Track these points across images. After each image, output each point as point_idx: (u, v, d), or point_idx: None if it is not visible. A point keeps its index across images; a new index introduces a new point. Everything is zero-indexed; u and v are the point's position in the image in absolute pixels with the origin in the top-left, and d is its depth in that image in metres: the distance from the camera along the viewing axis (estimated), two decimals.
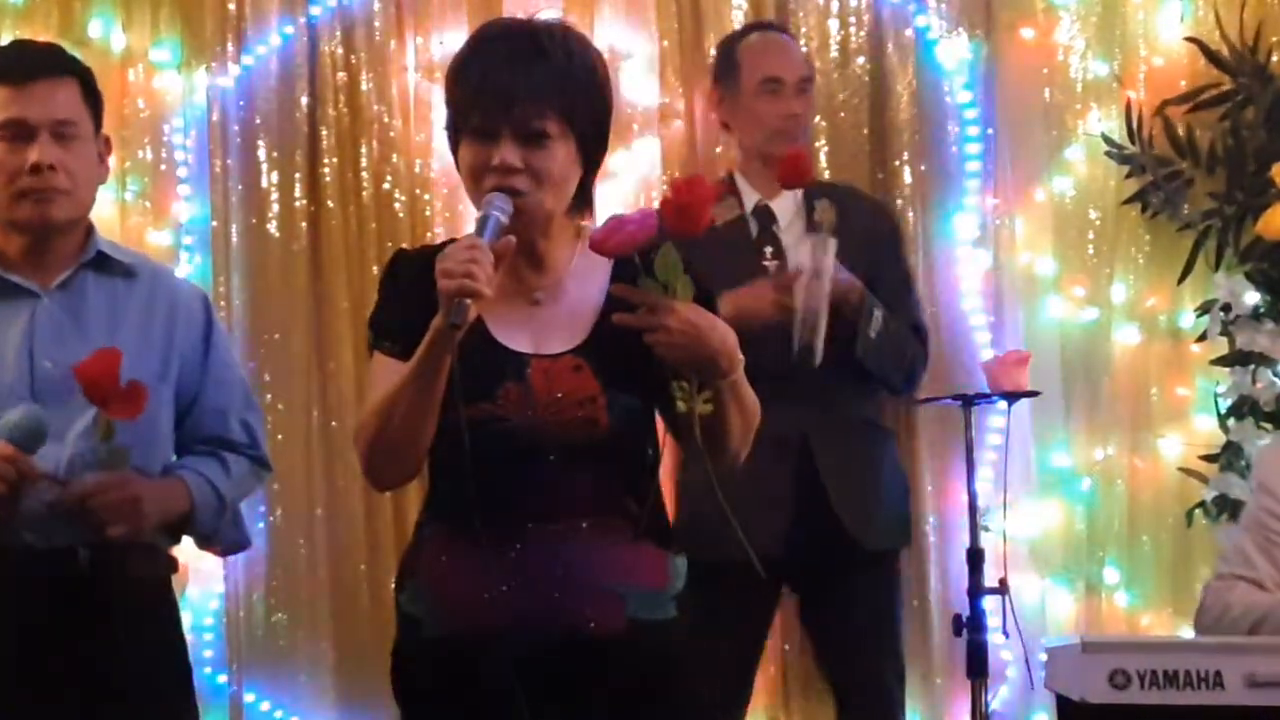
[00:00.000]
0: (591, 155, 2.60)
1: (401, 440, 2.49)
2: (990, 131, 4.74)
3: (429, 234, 4.74)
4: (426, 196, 4.85)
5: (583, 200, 2.63)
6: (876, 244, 4.04)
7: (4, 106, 2.92)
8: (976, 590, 4.01)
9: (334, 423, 4.80)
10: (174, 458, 3.09)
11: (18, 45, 3.34)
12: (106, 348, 2.80)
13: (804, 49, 4.30)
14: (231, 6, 4.86)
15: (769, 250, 3.95)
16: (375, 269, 4.79)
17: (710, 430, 2.48)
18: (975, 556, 4.04)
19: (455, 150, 2.57)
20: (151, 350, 2.99)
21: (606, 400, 2.50)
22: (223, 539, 3.17)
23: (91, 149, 3.01)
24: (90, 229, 3.06)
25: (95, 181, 3.04)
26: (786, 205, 3.99)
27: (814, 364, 3.76)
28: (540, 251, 2.58)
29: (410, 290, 2.54)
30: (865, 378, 3.94)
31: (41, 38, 4.34)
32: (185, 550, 3.21)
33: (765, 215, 3.98)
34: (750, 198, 4.00)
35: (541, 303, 2.59)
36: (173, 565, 3.10)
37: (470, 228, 2.49)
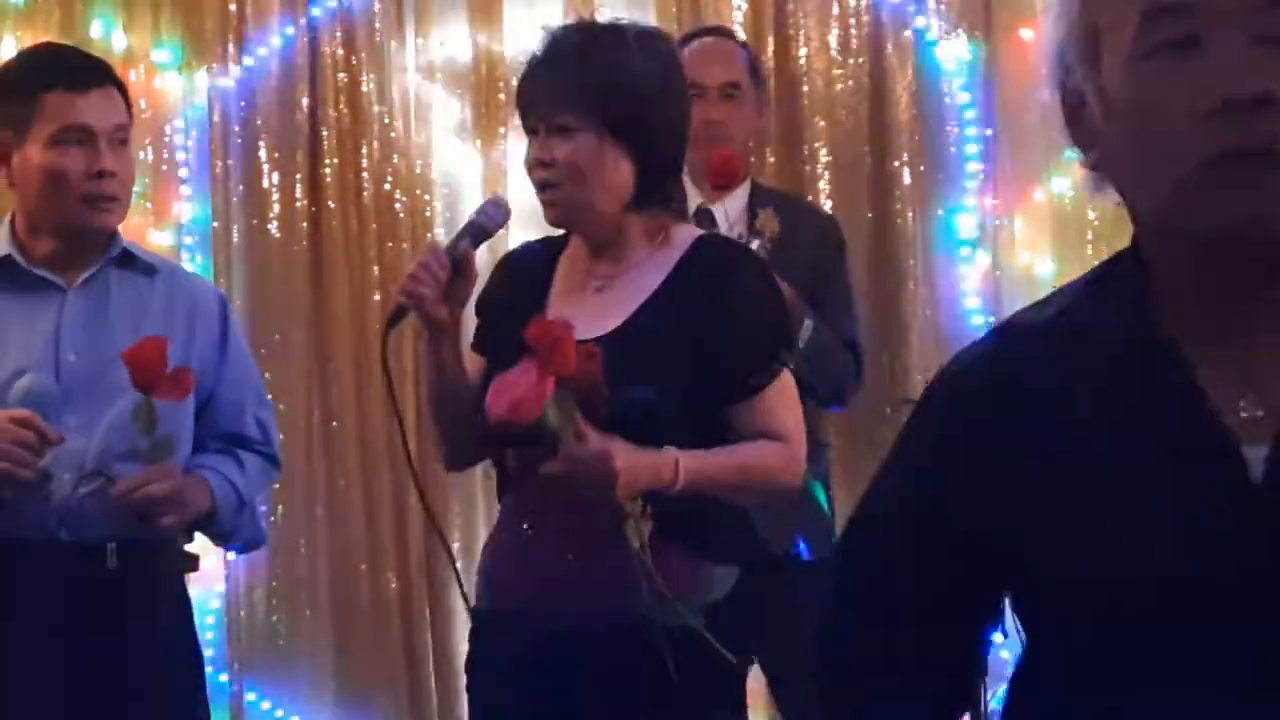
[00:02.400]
0: (643, 149, 2.62)
1: (440, 424, 2.74)
2: (989, 132, 4.74)
3: (429, 235, 4.76)
4: (427, 197, 4.87)
5: (655, 196, 2.67)
6: (820, 256, 3.99)
7: (64, 113, 2.93)
8: None
9: (335, 423, 4.81)
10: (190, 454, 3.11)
11: (67, 51, 3.34)
12: (153, 335, 2.85)
13: (740, 51, 4.19)
14: (232, 7, 4.88)
15: None
16: (375, 269, 4.82)
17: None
18: None
19: None
20: (173, 345, 3.00)
21: (611, 390, 2.50)
22: (240, 536, 3.19)
23: (132, 155, 3.06)
24: (115, 229, 3.09)
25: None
26: (729, 210, 3.95)
27: None
28: (607, 242, 2.66)
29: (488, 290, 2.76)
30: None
31: (42, 39, 4.37)
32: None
33: (704, 218, 3.95)
34: (694, 201, 3.98)
35: (600, 290, 2.66)
36: (193, 563, 3.12)
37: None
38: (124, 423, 2.86)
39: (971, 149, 4.73)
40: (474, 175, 4.90)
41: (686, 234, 2.68)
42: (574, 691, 2.54)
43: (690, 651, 2.49)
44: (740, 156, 3.90)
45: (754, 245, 3.67)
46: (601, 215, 2.63)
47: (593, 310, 2.61)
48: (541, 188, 2.62)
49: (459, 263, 2.59)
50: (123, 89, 3.04)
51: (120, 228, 3.07)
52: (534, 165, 2.62)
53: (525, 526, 2.60)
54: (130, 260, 3.07)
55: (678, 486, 2.48)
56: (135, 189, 4.65)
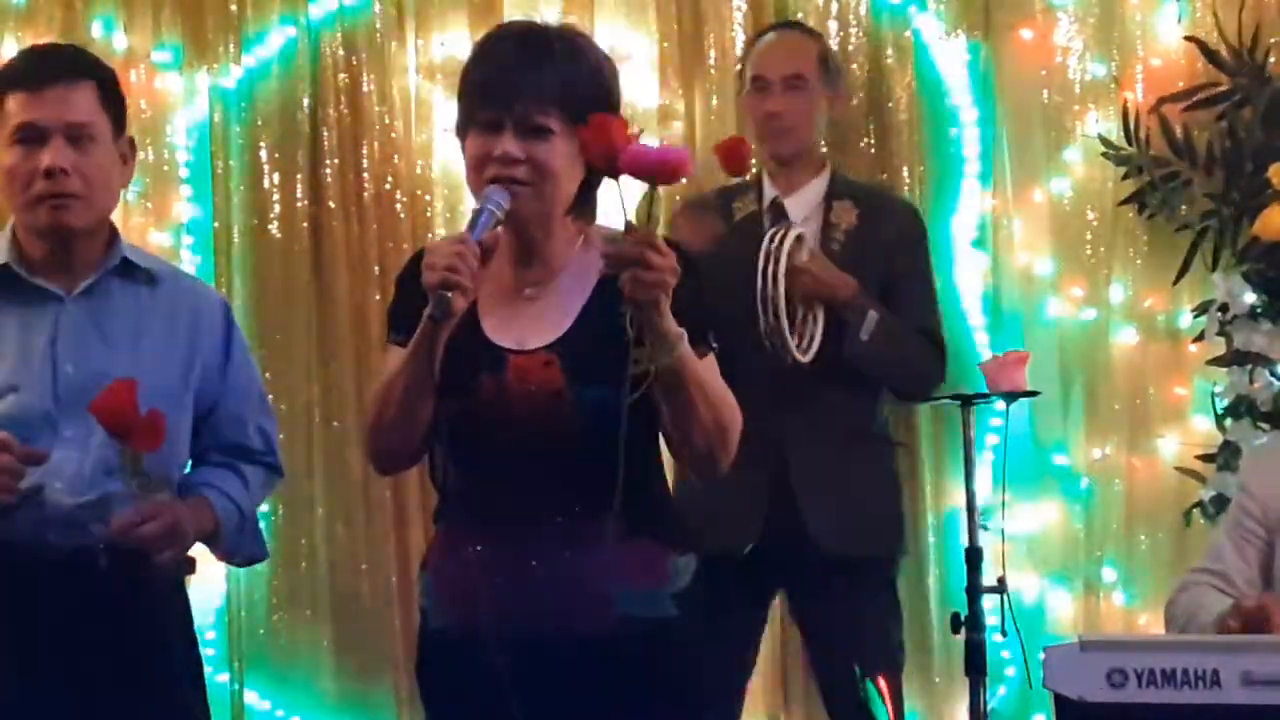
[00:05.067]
0: None
1: (394, 425, 2.60)
2: (989, 133, 4.75)
3: (430, 235, 4.76)
4: (427, 198, 4.88)
5: (585, 202, 2.66)
6: (897, 249, 4.03)
7: (19, 112, 2.91)
8: (975, 589, 4.02)
9: (335, 423, 4.83)
10: (189, 465, 3.10)
11: (35, 51, 3.31)
12: (121, 379, 2.76)
13: (809, 44, 4.21)
14: (233, 8, 4.90)
15: None
16: (376, 269, 4.84)
17: (677, 414, 2.52)
18: (974, 555, 4.04)
19: (464, 148, 2.63)
20: (174, 357, 2.99)
21: (574, 395, 2.53)
22: (241, 552, 3.18)
23: (110, 152, 2.98)
24: (114, 234, 3.05)
25: (114, 185, 3.03)
26: (804, 202, 4.00)
27: (786, 358, 3.77)
28: (538, 248, 2.64)
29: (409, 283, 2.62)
30: (859, 381, 3.94)
31: (43, 39, 4.38)
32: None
33: (778, 211, 4.00)
34: (770, 194, 4.02)
35: (533, 299, 2.64)
36: (189, 566, 3.11)
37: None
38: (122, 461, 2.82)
39: (970, 150, 4.73)
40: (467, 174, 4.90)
41: (601, 235, 2.65)
42: (565, 697, 2.55)
43: (669, 640, 2.57)
44: (746, 147, 3.88)
45: (795, 234, 3.70)
46: (552, 219, 2.62)
47: (532, 318, 2.62)
48: (508, 186, 2.54)
49: (491, 250, 2.54)
50: (105, 86, 2.98)
51: (122, 233, 3.06)
52: (503, 161, 2.55)
53: (476, 547, 2.59)
54: (131, 269, 3.04)
55: (678, 352, 2.46)
56: (134, 189, 4.76)
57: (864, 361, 3.89)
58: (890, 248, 4.00)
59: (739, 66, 4.26)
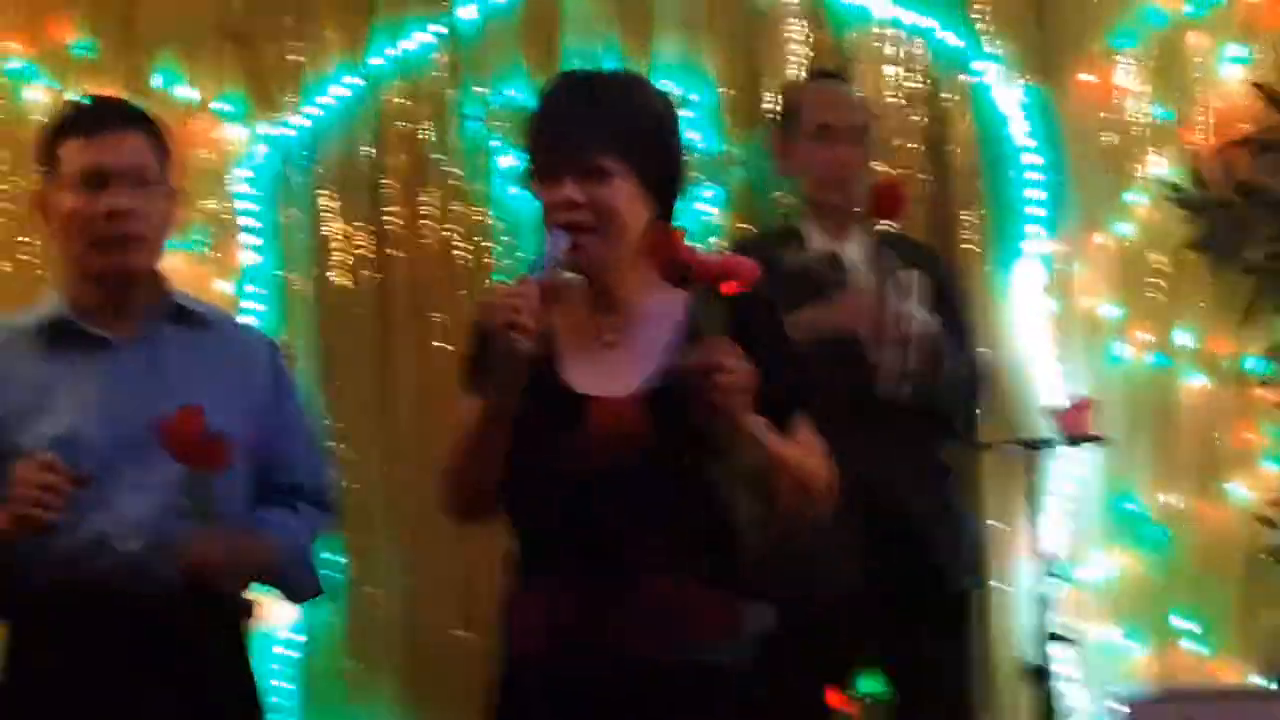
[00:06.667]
0: (662, 199, 2.63)
1: (471, 473, 2.59)
2: (1051, 177, 4.74)
3: (491, 282, 4.76)
4: (488, 244, 4.88)
5: None
6: (939, 289, 4.02)
7: (78, 156, 2.94)
8: (1045, 637, 4.00)
9: (399, 469, 4.81)
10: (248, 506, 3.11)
11: (88, 100, 3.37)
12: (188, 404, 2.81)
13: (860, 96, 4.25)
14: (294, 57, 4.91)
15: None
16: (437, 316, 4.83)
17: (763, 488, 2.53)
18: (1044, 603, 4.02)
19: (535, 196, 2.64)
20: (227, 401, 2.99)
21: (656, 442, 2.52)
22: (300, 588, 3.19)
23: (165, 198, 3.03)
24: (164, 280, 3.09)
25: (168, 231, 3.06)
26: (855, 251, 3.97)
27: (897, 395, 3.75)
28: (612, 292, 2.63)
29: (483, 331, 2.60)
30: (935, 419, 3.92)
31: (107, 91, 4.40)
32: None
33: (834, 261, 3.97)
34: (816, 243, 3.99)
35: (612, 344, 2.63)
36: (252, 610, 3.11)
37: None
38: (180, 479, 2.85)
39: (1032, 194, 4.73)
40: (534, 221, 4.90)
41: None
42: None
43: (744, 687, 2.55)
44: (905, 191, 3.92)
45: (914, 276, 3.72)
46: (621, 262, 2.61)
47: (613, 364, 2.60)
48: (571, 231, 2.54)
49: (556, 292, 2.53)
50: (153, 131, 3.02)
51: (181, 280, 3.08)
52: (564, 207, 2.55)
53: (552, 592, 2.56)
54: (182, 314, 3.06)
55: (761, 449, 2.47)
56: (197, 238, 4.78)
57: (946, 400, 3.85)
58: (936, 293, 3.98)
59: (782, 110, 4.19)
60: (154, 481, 2.88)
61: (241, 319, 3.82)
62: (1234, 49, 4.66)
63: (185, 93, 4.90)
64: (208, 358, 3.03)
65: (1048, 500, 4.26)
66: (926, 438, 3.92)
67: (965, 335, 4.05)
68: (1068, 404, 4.25)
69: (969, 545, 4.00)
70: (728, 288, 2.43)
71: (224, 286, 4.84)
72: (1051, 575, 4.07)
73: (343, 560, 4.68)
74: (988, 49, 4.77)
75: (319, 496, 3.18)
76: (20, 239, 4.77)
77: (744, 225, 4.78)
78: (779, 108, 4.24)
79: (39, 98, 4.86)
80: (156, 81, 4.89)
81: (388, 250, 4.88)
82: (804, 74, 4.59)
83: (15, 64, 4.87)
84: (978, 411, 4.05)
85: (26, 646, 2.93)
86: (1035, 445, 4.12)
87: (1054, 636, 4.00)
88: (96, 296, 2.99)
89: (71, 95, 4.75)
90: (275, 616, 4.57)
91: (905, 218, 3.95)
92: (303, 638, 4.73)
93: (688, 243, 2.53)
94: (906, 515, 3.84)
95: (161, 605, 2.86)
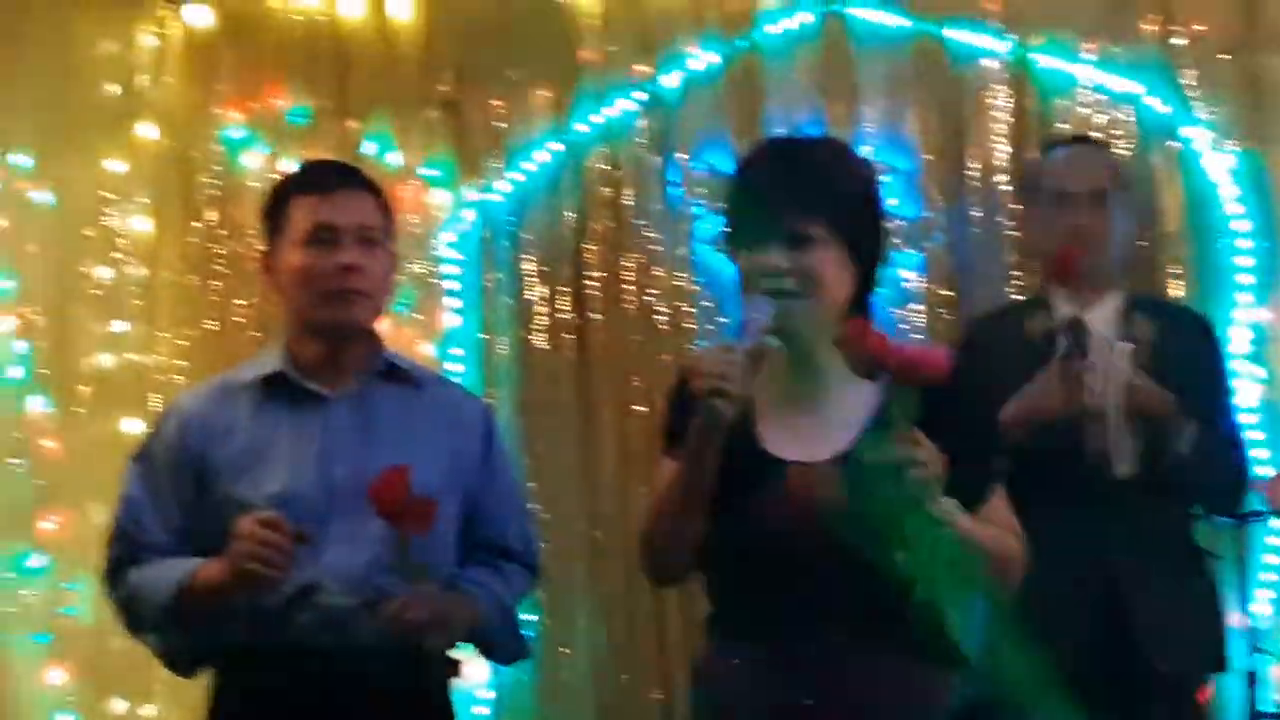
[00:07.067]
0: (865, 265, 2.63)
1: (669, 536, 2.60)
2: (1262, 244, 4.65)
3: (691, 346, 4.78)
4: (688, 309, 4.90)
5: (859, 311, 2.65)
6: (1196, 360, 3.92)
7: (309, 214, 3.04)
8: (1254, 714, 3.89)
9: (598, 533, 4.83)
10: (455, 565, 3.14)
11: (320, 161, 3.49)
12: (395, 465, 2.86)
13: (1107, 159, 4.17)
14: (500, 124, 4.99)
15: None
16: (637, 380, 4.86)
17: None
18: (1252, 679, 3.91)
19: (735, 262, 2.65)
20: (437, 460, 3.04)
21: (856, 509, 2.49)
22: (504, 649, 3.21)
23: (388, 258, 3.12)
24: (379, 339, 3.16)
25: (390, 291, 3.16)
26: (1103, 318, 3.89)
27: (1111, 471, 3.69)
28: (813, 357, 2.63)
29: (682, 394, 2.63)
30: (1175, 493, 3.83)
31: (319, 156, 4.52)
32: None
33: (1078, 328, 3.88)
34: (1062, 311, 3.92)
35: (811, 410, 2.62)
36: (456, 669, 3.14)
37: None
38: (390, 534, 2.89)
39: (1243, 261, 4.63)
40: (733, 287, 4.91)
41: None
42: None
43: None
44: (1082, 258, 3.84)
45: (1128, 349, 3.67)
46: (825, 327, 2.61)
47: (812, 429, 2.60)
48: (777, 297, 2.56)
49: (759, 358, 2.55)
50: (377, 194, 3.12)
51: (386, 341, 3.14)
52: (770, 273, 2.56)
53: (748, 659, 2.57)
54: (395, 373, 3.12)
55: (952, 531, 2.46)
56: (403, 301, 4.87)
57: (1183, 473, 3.76)
58: (1191, 360, 3.88)
59: (1020, 179, 4.18)
60: (363, 536, 2.93)
61: (455, 382, 3.87)
62: None
63: (394, 158, 5.01)
64: (418, 416, 3.09)
65: (1258, 573, 4.15)
66: (1163, 513, 3.80)
67: (1221, 407, 3.95)
68: (1279, 475, 4.13)
69: (1200, 628, 3.84)
70: (919, 380, 2.41)
71: (427, 349, 4.91)
72: (1260, 650, 3.96)
73: (536, 618, 4.71)
74: (1196, 114, 4.69)
75: (524, 559, 3.22)
76: (235, 301, 4.92)
77: (944, 292, 4.76)
78: (1020, 179, 4.21)
79: (255, 164, 5.01)
80: (367, 148, 5.00)
81: (588, 314, 4.93)
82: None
83: (234, 131, 5.03)
84: (1238, 486, 3.93)
85: (230, 695, 3.00)
86: (1243, 518, 4.00)
87: (1263, 714, 3.88)
88: (316, 352, 3.07)
89: (286, 161, 4.90)
90: (468, 674, 4.62)
91: (1078, 281, 3.86)
92: (492, 694, 4.76)
93: (880, 331, 2.51)
94: (1127, 593, 3.74)
95: (366, 660, 2.91)
